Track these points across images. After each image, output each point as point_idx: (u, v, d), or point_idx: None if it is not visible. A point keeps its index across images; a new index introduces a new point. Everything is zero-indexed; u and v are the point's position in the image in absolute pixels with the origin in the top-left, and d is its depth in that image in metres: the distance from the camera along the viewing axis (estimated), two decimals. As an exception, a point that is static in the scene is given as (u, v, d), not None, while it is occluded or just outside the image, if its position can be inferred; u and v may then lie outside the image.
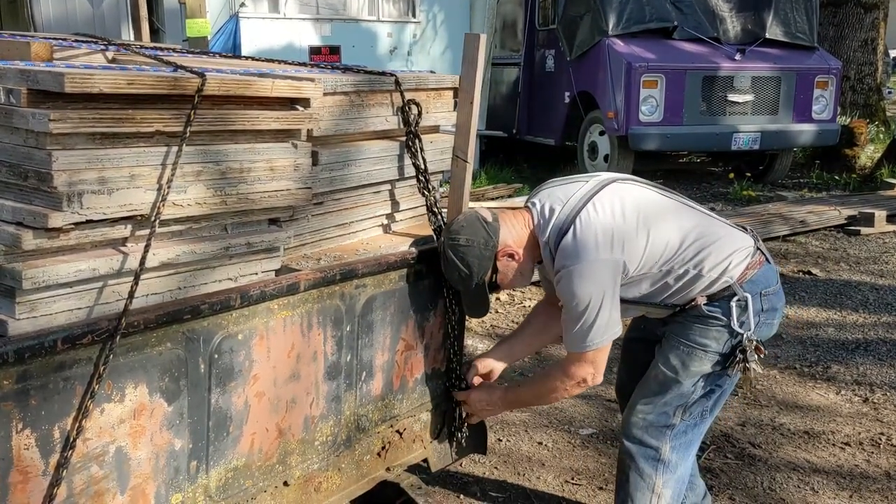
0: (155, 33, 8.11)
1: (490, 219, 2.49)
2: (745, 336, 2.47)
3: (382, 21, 9.84)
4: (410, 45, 9.98)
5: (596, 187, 2.49)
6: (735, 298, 2.47)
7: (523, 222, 2.52)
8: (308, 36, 9.30)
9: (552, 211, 2.46)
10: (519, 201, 8.39)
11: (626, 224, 2.41)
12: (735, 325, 2.47)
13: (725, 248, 2.49)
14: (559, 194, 2.51)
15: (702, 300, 2.49)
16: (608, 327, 2.41)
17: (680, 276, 2.46)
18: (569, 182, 2.58)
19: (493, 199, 8.66)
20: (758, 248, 2.57)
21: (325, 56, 9.28)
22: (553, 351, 4.55)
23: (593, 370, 2.51)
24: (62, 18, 10.03)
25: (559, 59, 9.97)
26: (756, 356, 2.48)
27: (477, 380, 2.84)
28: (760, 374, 2.52)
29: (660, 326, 2.64)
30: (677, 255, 2.45)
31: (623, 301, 2.49)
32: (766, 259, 2.58)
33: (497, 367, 2.85)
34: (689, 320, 2.53)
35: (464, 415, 2.85)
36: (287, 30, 9.19)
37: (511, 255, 2.50)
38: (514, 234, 2.50)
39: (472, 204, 2.95)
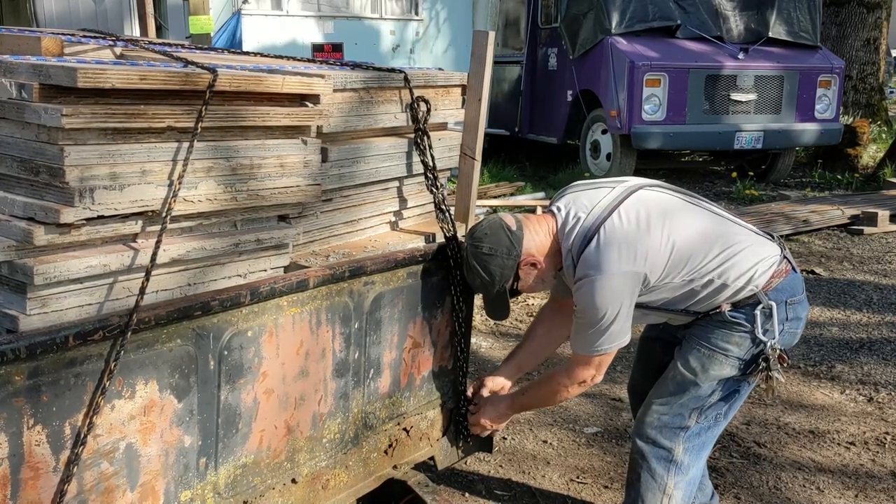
0: (158, 30, 8.09)
1: (514, 227, 2.46)
2: (768, 344, 2.45)
3: (385, 19, 9.83)
4: (413, 43, 9.98)
5: (622, 195, 2.45)
6: (760, 306, 2.45)
7: (547, 229, 2.48)
8: (311, 33, 9.29)
9: (577, 218, 2.43)
10: (521, 199, 8.40)
11: (651, 235, 2.38)
12: (759, 332, 2.44)
13: (751, 258, 2.46)
14: (584, 200, 2.47)
15: (726, 307, 2.47)
16: (619, 335, 2.41)
17: (704, 286, 2.44)
18: (594, 187, 2.54)
19: (495, 196, 8.65)
20: (784, 257, 2.54)
21: (327, 53, 9.27)
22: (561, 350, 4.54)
23: (595, 372, 2.53)
24: (64, 15, 10.02)
25: (562, 58, 9.96)
26: (779, 365, 2.45)
27: (486, 393, 2.86)
28: (783, 382, 2.50)
29: (680, 329, 2.62)
30: (702, 266, 2.42)
31: (645, 307, 2.48)
32: (793, 267, 2.55)
33: (506, 383, 2.88)
34: (711, 324, 2.50)
35: (473, 432, 2.86)
36: (289, 27, 9.18)
37: (533, 264, 2.48)
38: (537, 242, 2.47)
39: (477, 202, 2.94)
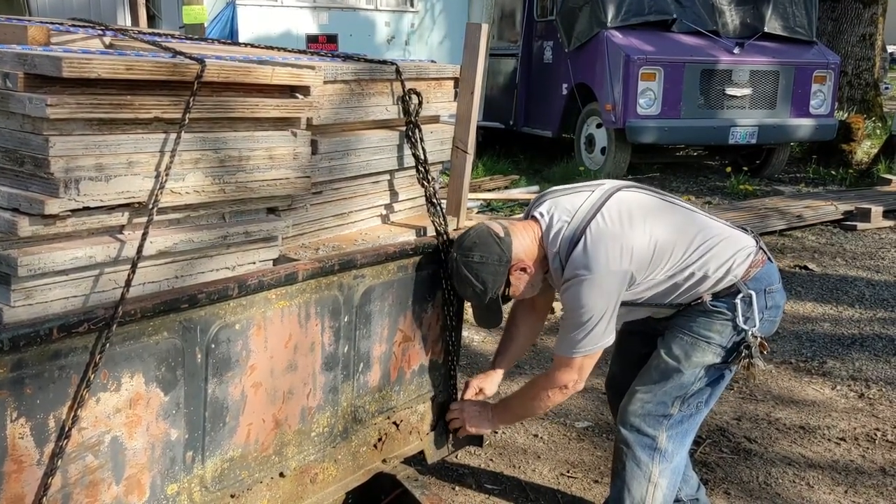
0: (151, 20, 8.05)
1: (502, 234, 2.49)
2: (749, 332, 2.50)
3: (380, 10, 9.80)
4: (408, 35, 9.96)
5: (602, 197, 2.50)
6: (740, 295, 2.51)
7: (532, 235, 2.52)
8: (305, 24, 9.27)
9: (561, 222, 2.47)
10: (516, 192, 8.39)
11: (634, 234, 2.43)
12: (740, 321, 2.50)
13: (728, 249, 2.53)
14: (566, 205, 2.51)
15: (707, 297, 2.52)
16: (602, 336, 2.45)
17: (686, 279, 2.50)
18: (574, 192, 2.58)
19: (489, 190, 8.64)
20: (760, 248, 2.61)
21: (322, 45, 9.25)
22: (547, 342, 4.54)
23: (577, 377, 2.55)
24: (57, 4, 9.98)
25: (557, 51, 9.93)
26: (760, 352, 2.52)
27: (471, 393, 2.89)
28: (764, 369, 2.55)
29: (661, 321, 2.66)
30: (683, 260, 2.48)
31: (630, 304, 2.52)
32: (769, 258, 2.62)
33: (493, 385, 2.92)
34: (693, 313, 2.56)
35: (452, 428, 2.87)
36: (284, 18, 9.15)
37: (524, 269, 2.51)
38: (525, 247, 2.50)
39: (470, 195, 2.93)
